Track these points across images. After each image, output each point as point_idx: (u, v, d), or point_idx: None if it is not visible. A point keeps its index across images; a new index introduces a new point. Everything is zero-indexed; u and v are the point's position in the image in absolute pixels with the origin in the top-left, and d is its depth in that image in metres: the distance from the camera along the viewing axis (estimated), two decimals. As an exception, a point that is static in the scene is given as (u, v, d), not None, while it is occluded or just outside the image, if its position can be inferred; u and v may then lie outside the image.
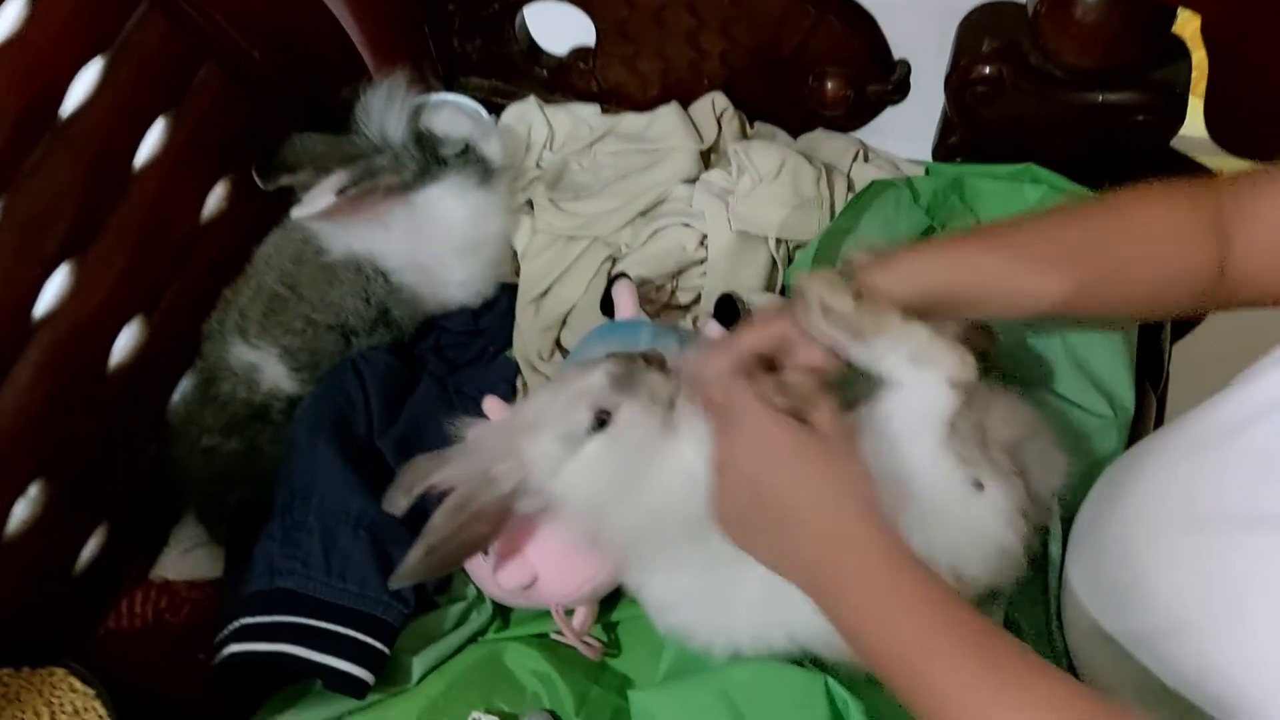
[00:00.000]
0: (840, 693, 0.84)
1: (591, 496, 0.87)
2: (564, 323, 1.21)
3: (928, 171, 1.20)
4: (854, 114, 1.24)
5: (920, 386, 0.80)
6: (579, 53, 1.32)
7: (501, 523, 0.90)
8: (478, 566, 1.02)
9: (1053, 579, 0.91)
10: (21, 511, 0.99)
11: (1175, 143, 1.13)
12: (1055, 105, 1.10)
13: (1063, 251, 0.81)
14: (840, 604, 0.70)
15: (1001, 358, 0.96)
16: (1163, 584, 0.73)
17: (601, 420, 0.87)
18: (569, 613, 1.00)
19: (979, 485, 0.82)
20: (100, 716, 0.88)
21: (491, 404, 1.03)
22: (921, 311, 0.80)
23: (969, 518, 0.82)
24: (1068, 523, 0.92)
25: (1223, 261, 0.78)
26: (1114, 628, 0.80)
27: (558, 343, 1.21)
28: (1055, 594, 0.90)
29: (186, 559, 1.15)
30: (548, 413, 0.89)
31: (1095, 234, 0.81)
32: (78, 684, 0.89)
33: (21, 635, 0.98)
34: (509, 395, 1.18)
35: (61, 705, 0.88)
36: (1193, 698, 0.70)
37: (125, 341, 1.07)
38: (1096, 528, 0.85)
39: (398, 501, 0.91)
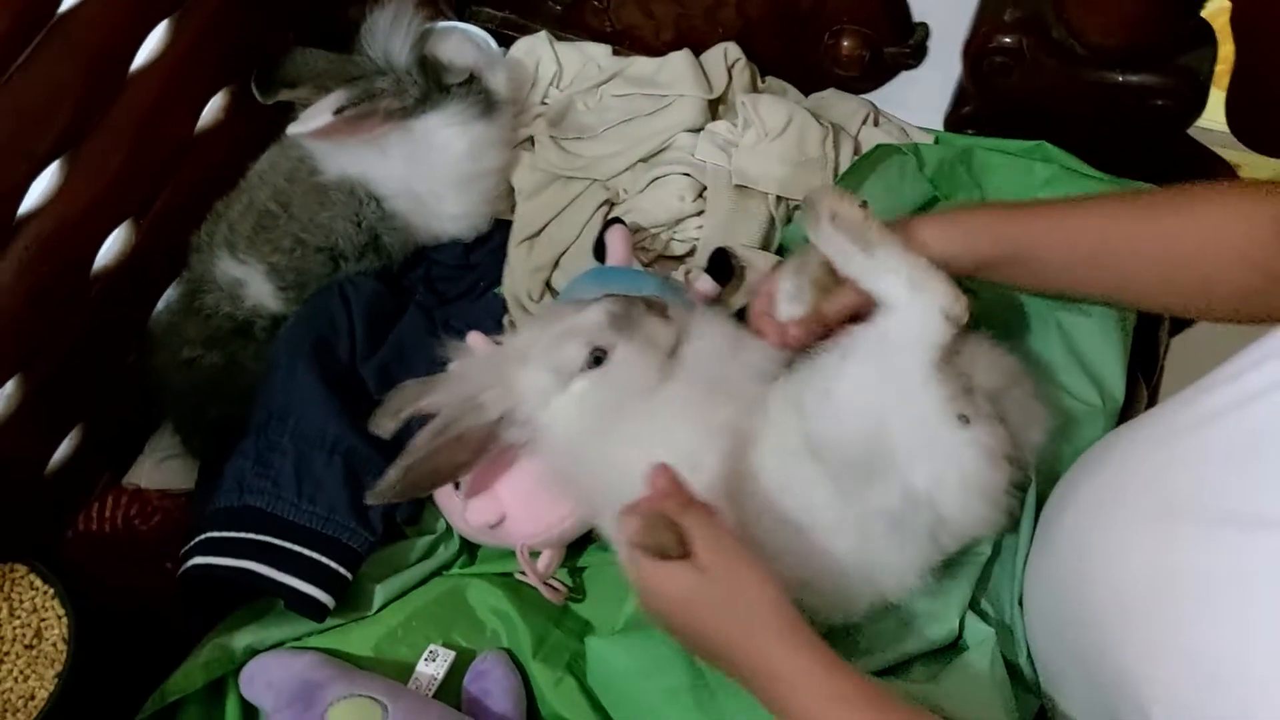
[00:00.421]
0: None
1: (575, 434, 0.87)
2: (556, 264, 1.19)
3: (937, 141, 1.18)
4: (868, 75, 1.22)
5: (915, 310, 0.82)
6: (595, -10, 1.30)
7: (482, 450, 0.90)
8: (448, 501, 1.01)
9: (1020, 560, 0.90)
10: (-4, 407, 0.98)
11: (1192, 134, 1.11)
12: (1074, 82, 1.08)
13: (1121, 247, 0.84)
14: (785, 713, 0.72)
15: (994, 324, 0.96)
16: (1119, 570, 0.73)
17: (597, 358, 0.86)
18: (535, 554, 1.00)
19: (964, 419, 0.83)
20: (59, 616, 0.88)
21: (475, 339, 1.02)
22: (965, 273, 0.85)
23: (953, 449, 0.83)
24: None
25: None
26: (1067, 611, 0.80)
27: (548, 284, 1.19)
28: (1020, 576, 0.89)
29: (160, 468, 1.14)
30: (541, 344, 0.88)
31: (1159, 229, 0.83)
32: (38, 581, 0.89)
33: (-10, 531, 0.98)
34: (496, 332, 1.17)
35: (21, 601, 0.88)
36: (1140, 685, 0.70)
37: (112, 245, 1.06)
38: (1062, 509, 0.84)
39: (385, 424, 0.91)
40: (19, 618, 0.87)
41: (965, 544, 0.90)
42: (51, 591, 0.88)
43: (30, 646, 0.86)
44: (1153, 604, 0.69)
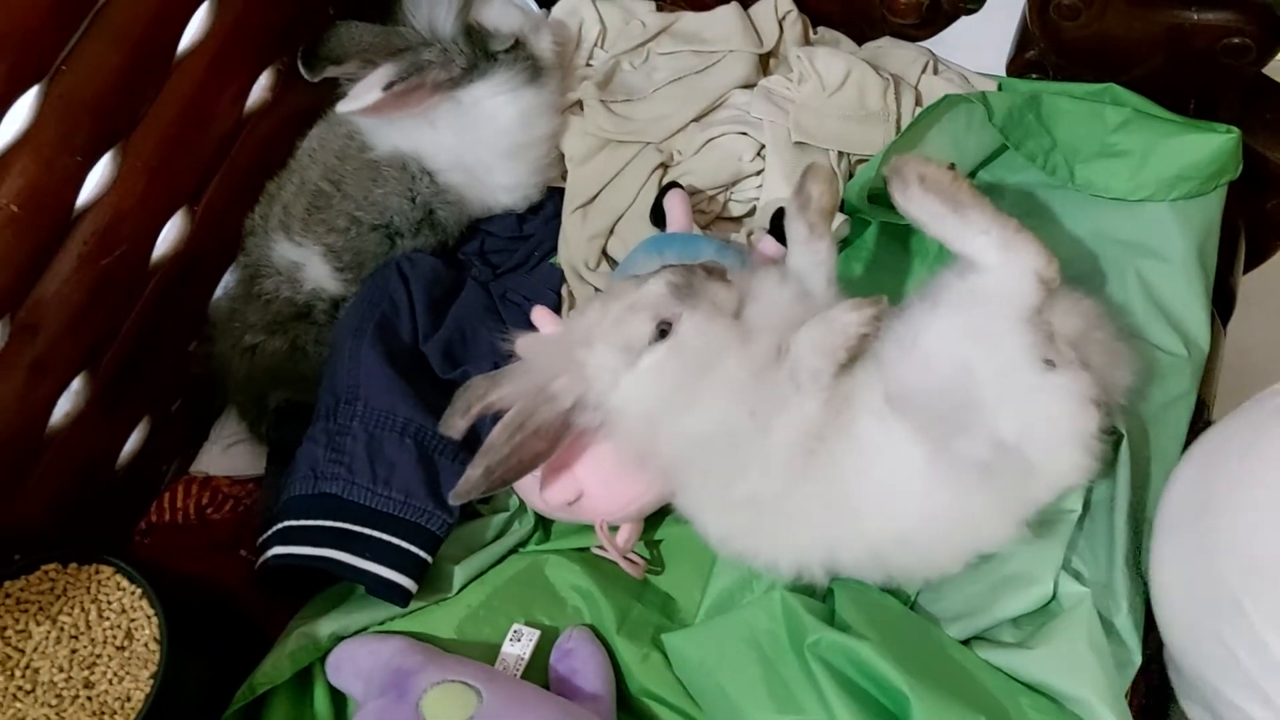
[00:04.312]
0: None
1: (647, 409, 0.86)
2: (611, 231, 1.17)
3: (1001, 87, 1.15)
4: (925, 22, 1.19)
5: (1007, 271, 0.82)
6: (637, -55, 1.26)
7: (559, 439, 0.89)
8: (523, 479, 1.00)
9: (1119, 515, 0.89)
10: (65, 405, 0.98)
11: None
12: (1144, 22, 1.04)
13: None
14: None
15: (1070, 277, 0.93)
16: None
17: (663, 330, 0.85)
18: (613, 529, 0.99)
19: (1049, 363, 0.82)
20: (148, 616, 0.87)
21: (541, 315, 1.00)
22: None
23: (1040, 396, 0.83)
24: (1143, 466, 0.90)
25: None
26: (1214, 584, 0.78)
27: (604, 252, 1.17)
28: (1123, 533, 0.88)
29: (227, 454, 1.15)
30: (604, 324, 0.87)
31: None
32: (124, 581, 0.89)
33: (66, 529, 0.98)
34: (555, 304, 1.15)
35: (109, 602, 0.88)
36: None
37: (168, 234, 1.05)
38: (1220, 465, 0.82)
39: (455, 424, 0.90)
40: (108, 619, 0.87)
41: (1059, 493, 0.89)
42: (139, 591, 0.88)
43: (121, 648, 0.86)
44: None
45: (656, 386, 0.86)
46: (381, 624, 0.98)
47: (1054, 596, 0.88)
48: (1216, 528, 0.78)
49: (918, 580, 0.89)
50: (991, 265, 0.82)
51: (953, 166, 0.83)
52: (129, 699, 0.84)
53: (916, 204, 0.83)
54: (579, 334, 0.89)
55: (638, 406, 0.86)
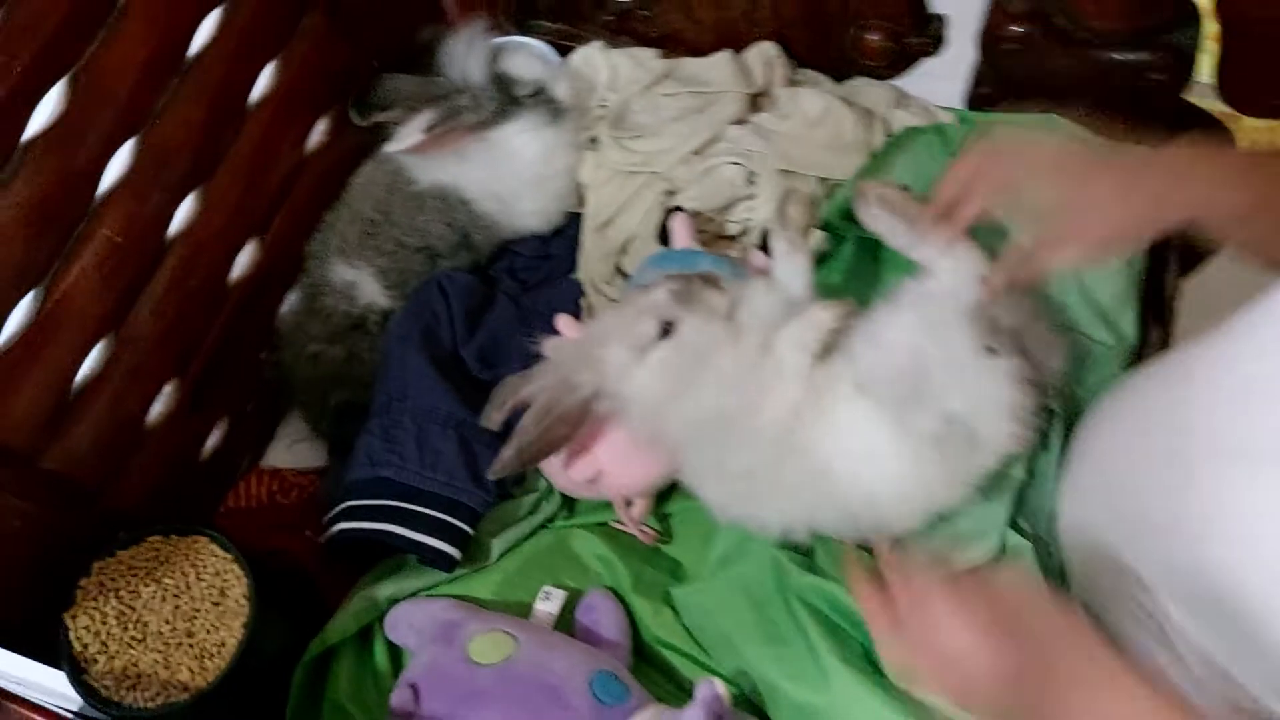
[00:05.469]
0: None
1: (655, 397, 1.00)
2: (624, 250, 1.33)
3: (962, 119, 1.30)
4: (893, 64, 1.34)
5: (953, 274, 0.96)
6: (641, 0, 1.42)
7: (580, 424, 1.02)
8: (549, 463, 1.15)
9: (1052, 485, 1.03)
10: (158, 407, 1.14)
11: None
12: (1077, 61, 1.19)
13: None
14: None
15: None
16: (1143, 499, 0.85)
17: (666, 330, 0.99)
18: (629, 504, 1.15)
19: (991, 350, 0.96)
20: (238, 577, 1.03)
21: (564, 322, 1.15)
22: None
23: (984, 378, 0.96)
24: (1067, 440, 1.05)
25: None
26: (1099, 530, 0.92)
27: (618, 268, 1.33)
28: (1054, 496, 1.02)
29: (292, 450, 1.30)
30: (618, 326, 1.02)
31: None
32: (218, 549, 1.04)
33: (159, 513, 1.13)
34: (575, 314, 1.30)
35: (205, 566, 1.03)
36: (1160, 593, 0.83)
37: (243, 259, 1.21)
38: (1090, 440, 0.97)
39: (493, 417, 1.04)
40: (205, 580, 1.03)
41: (1002, 459, 1.01)
42: (230, 557, 1.04)
43: (217, 604, 1.02)
44: (1171, 529, 0.80)
45: (662, 378, 0.99)
46: (431, 588, 1.12)
47: (1002, 550, 1.02)
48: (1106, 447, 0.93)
49: (885, 536, 1.04)
50: (940, 270, 0.96)
51: (906, 188, 0.98)
52: (224, 645, 1.00)
53: (876, 220, 0.98)
54: (596, 336, 1.03)
55: (647, 395, 0.99)
